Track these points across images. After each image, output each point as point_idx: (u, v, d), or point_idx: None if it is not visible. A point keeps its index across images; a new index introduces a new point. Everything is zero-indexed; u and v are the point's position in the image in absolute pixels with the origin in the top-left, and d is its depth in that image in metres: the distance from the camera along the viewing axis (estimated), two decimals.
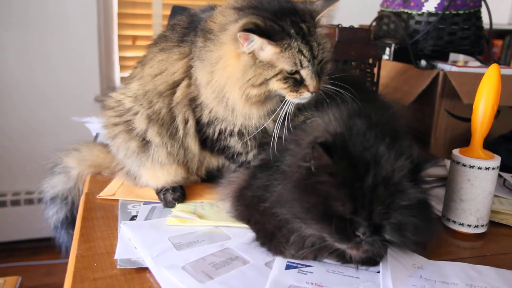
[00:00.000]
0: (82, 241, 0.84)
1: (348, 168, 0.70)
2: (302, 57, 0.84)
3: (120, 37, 2.91)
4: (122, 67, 2.97)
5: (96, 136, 1.45)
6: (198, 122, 0.98)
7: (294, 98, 0.87)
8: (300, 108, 0.92)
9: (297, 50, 0.83)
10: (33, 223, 2.65)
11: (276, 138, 0.88)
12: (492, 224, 0.97)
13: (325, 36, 0.89)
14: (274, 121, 0.90)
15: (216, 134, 0.97)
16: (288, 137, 0.86)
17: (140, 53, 2.99)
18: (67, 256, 1.20)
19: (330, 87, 0.89)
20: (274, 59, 0.83)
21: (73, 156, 1.15)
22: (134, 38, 2.94)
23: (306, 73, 0.85)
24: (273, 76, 0.84)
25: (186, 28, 0.99)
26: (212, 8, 1.02)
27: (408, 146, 0.74)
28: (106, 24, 2.83)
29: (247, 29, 0.80)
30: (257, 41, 0.82)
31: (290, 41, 0.83)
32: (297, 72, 0.85)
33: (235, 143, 0.98)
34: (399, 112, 1.10)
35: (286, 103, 0.88)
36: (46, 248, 2.69)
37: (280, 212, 0.76)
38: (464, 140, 1.46)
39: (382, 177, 0.69)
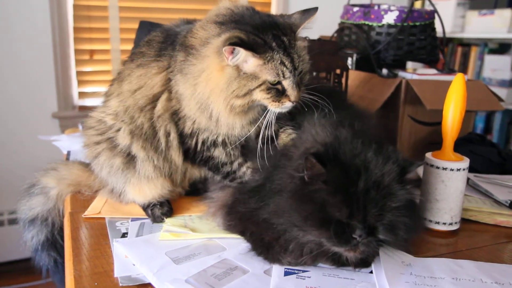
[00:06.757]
0: (77, 262, 0.83)
1: (340, 175, 0.74)
2: (284, 68, 0.88)
3: (77, 51, 2.85)
4: (80, 82, 2.90)
5: (68, 154, 1.43)
6: (181, 134, 1.00)
7: (276, 108, 0.91)
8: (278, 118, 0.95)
9: (279, 62, 0.87)
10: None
11: (260, 145, 0.91)
12: (463, 221, 1.04)
13: (304, 48, 0.93)
14: (256, 130, 0.94)
15: (199, 145, 0.99)
16: (278, 153, 0.89)
17: (98, 67, 2.96)
18: (47, 277, 1.18)
19: (307, 96, 0.93)
20: (258, 71, 0.87)
21: (51, 175, 1.13)
22: (92, 52, 2.89)
23: (287, 84, 0.89)
24: (256, 87, 0.88)
25: (163, 43, 1.00)
26: (186, 22, 1.04)
27: (393, 151, 0.80)
28: (62, 39, 2.76)
29: (232, 43, 0.83)
30: (242, 54, 0.85)
31: (273, 53, 0.87)
32: (279, 82, 0.89)
33: (219, 154, 0.99)
34: (373, 119, 1.16)
35: (268, 112, 0.91)
36: (20, 270, 2.59)
37: (278, 222, 0.79)
38: (427, 143, 1.56)
39: (373, 181, 0.74)
